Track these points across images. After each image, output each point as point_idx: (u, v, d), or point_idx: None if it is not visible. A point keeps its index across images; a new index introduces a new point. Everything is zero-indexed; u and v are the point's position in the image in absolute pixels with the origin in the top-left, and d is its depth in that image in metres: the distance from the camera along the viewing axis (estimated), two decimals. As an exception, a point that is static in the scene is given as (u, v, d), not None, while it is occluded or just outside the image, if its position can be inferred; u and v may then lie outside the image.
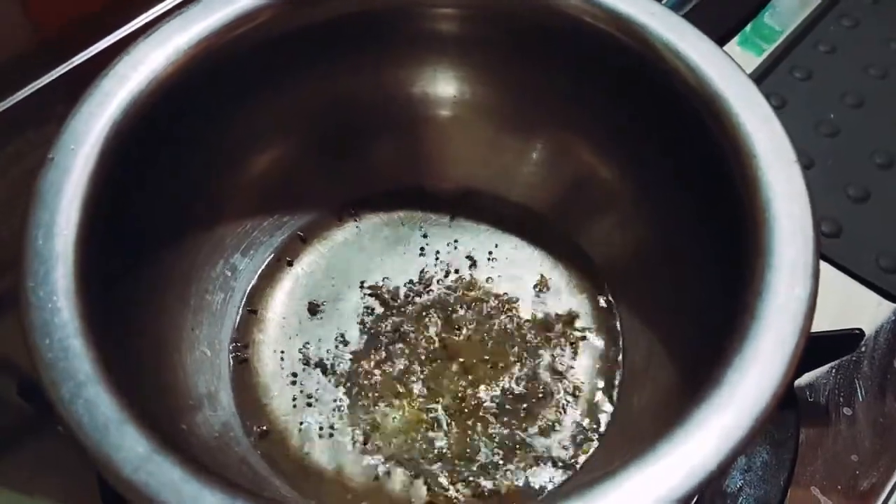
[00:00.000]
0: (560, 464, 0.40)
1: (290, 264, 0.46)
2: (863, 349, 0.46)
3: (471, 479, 0.40)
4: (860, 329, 0.42)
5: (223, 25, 0.37)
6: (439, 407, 0.41)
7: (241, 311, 0.44)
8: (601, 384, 0.42)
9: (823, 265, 0.48)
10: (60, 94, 0.58)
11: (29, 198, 0.32)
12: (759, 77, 0.59)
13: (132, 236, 0.36)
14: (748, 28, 0.62)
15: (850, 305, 0.48)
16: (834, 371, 0.46)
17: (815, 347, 0.40)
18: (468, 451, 0.40)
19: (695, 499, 0.40)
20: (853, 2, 0.63)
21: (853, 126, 0.56)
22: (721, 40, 0.60)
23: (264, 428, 0.41)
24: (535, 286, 0.45)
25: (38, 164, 0.53)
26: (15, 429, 0.44)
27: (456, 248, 0.47)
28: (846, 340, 0.43)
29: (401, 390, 0.42)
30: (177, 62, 0.36)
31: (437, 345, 0.43)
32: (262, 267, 0.46)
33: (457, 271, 0.46)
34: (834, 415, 0.44)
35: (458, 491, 0.39)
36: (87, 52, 0.60)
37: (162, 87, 0.35)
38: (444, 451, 0.40)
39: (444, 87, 0.46)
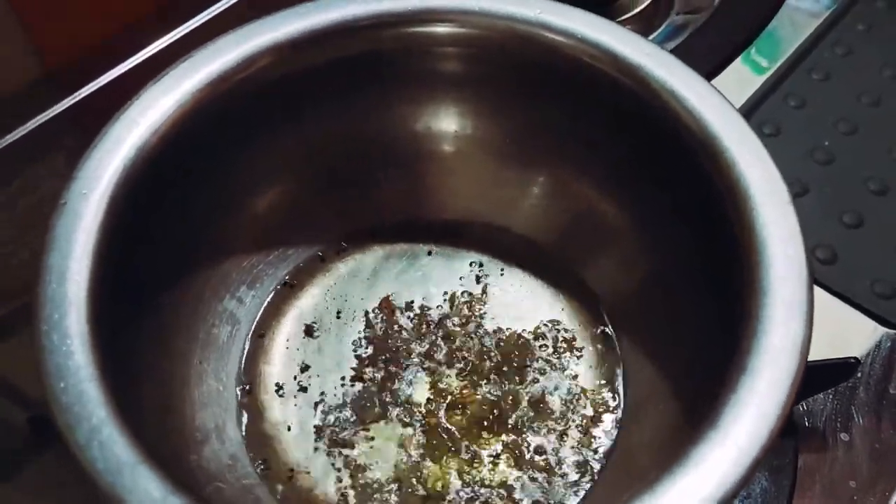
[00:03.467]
0: (558, 500, 0.41)
1: (296, 296, 0.47)
2: (859, 375, 0.46)
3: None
4: (856, 358, 0.43)
5: (229, 69, 0.38)
6: (437, 442, 0.42)
7: (247, 343, 0.45)
8: (601, 418, 0.43)
9: (819, 291, 0.50)
10: (67, 125, 0.59)
11: (42, 242, 0.33)
12: (754, 105, 0.60)
13: (141, 278, 0.36)
14: (753, 48, 0.62)
15: (846, 332, 0.49)
16: (831, 397, 0.46)
17: (812, 376, 0.41)
18: (466, 486, 0.41)
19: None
20: (846, 29, 0.64)
21: (847, 153, 0.57)
22: (718, 68, 0.61)
23: (271, 460, 0.41)
24: (536, 318, 0.46)
25: (46, 196, 0.55)
26: (20, 452, 0.45)
27: (457, 280, 0.48)
28: (842, 369, 0.43)
29: (403, 424, 0.42)
30: (185, 106, 0.37)
31: (437, 377, 0.44)
32: (268, 299, 0.46)
33: (458, 303, 0.47)
34: (831, 441, 0.45)
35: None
36: (94, 83, 0.61)
37: (171, 131, 0.36)
38: (443, 487, 0.41)
39: (446, 122, 0.47)
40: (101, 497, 0.27)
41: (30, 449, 0.45)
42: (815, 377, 0.42)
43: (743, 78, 0.61)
